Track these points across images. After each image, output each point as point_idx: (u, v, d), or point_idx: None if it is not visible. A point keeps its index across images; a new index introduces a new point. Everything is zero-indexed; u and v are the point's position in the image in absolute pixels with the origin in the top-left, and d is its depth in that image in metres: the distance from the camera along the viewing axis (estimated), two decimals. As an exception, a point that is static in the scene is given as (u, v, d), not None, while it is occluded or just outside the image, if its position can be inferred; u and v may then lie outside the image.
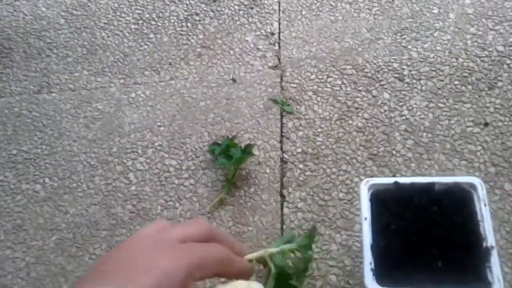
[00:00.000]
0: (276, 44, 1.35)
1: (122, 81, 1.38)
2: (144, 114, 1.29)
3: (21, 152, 1.27)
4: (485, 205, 0.80)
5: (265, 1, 1.46)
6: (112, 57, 1.44)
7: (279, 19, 1.41)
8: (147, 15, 1.51)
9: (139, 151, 1.22)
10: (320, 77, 1.25)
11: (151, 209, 1.12)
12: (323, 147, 1.13)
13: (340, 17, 1.36)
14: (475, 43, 1.21)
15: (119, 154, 1.23)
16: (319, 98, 1.21)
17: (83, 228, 1.11)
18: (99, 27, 1.52)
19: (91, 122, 1.31)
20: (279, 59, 1.32)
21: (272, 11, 1.43)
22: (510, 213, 0.95)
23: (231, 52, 1.37)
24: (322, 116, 1.18)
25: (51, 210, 1.16)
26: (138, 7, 1.54)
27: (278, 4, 1.44)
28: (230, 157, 1.11)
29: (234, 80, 1.31)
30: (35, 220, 1.14)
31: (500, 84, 1.13)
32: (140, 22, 1.50)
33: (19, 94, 1.41)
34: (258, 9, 1.45)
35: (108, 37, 1.49)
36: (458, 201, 0.82)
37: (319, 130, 1.16)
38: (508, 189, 0.98)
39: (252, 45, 1.37)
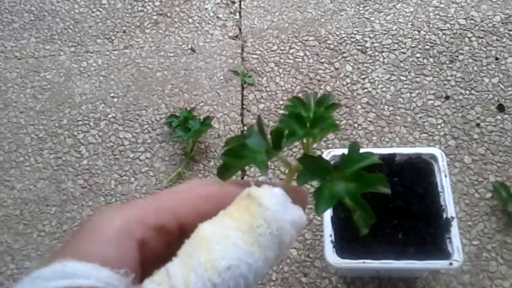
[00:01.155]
0: (237, 13, 1.30)
1: (72, 49, 1.29)
2: (97, 84, 1.22)
3: (-39, 124, 1.18)
4: (445, 176, 0.79)
5: (226, -31, 1.39)
6: (62, 24, 1.34)
7: (241, -12, 1.35)
8: (100, -20, 1.41)
9: (91, 124, 1.15)
10: (282, 48, 1.21)
11: (104, 184, 1.06)
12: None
13: (303, -13, 1.32)
14: (437, 16, 1.20)
15: (70, 127, 1.15)
16: (281, 70, 1.18)
17: (31, 204, 1.05)
18: (47, -9, 1.42)
19: (39, 92, 1.22)
20: (240, 29, 1.27)
21: (233, -21, 1.37)
22: (470, 186, 0.95)
23: (190, 20, 1.30)
24: (284, 88, 1.15)
25: (-5, 185, 1.08)
26: (91, -29, 1.44)
27: (239, -28, 1.38)
28: (188, 129, 1.06)
29: (193, 50, 1.25)
30: (-23, 196, 1.06)
31: (461, 57, 1.13)
32: (92, -13, 1.40)
33: (-41, 62, 1.30)
34: (219, -23, 1.38)
35: (58, 2, 1.39)
36: (418, 172, 0.81)
37: (281, 102, 1.13)
38: (468, 162, 0.98)
39: (211, 14, 1.31)
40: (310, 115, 0.29)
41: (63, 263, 0.23)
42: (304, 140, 0.28)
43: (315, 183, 0.27)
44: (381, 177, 0.27)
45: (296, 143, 0.29)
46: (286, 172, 0.28)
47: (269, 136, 0.28)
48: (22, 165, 1.11)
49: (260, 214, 0.24)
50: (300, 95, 1.13)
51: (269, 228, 0.23)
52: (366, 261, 0.73)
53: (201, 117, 1.10)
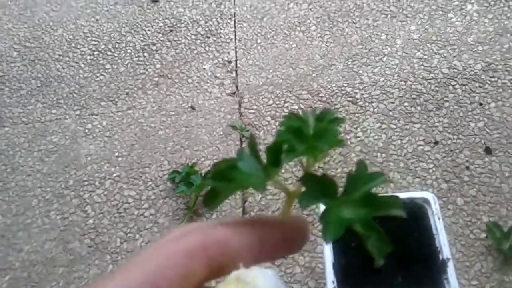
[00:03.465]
0: (234, 72, 1.38)
1: (77, 112, 1.36)
2: (101, 145, 1.27)
3: (-29, 189, 1.22)
4: (438, 219, 0.83)
5: (221, 31, 1.49)
6: (67, 89, 1.42)
7: (236, 48, 1.44)
8: (103, 46, 1.50)
9: (97, 183, 1.19)
10: (277, 102, 1.28)
11: (110, 242, 1.09)
12: (283, 170, 1.14)
13: (294, 45, 1.40)
14: (422, 67, 1.27)
15: (76, 187, 1.20)
16: (277, 123, 1.24)
17: (39, 266, 1.07)
18: (53, 59, 1.50)
19: (46, 155, 1.27)
20: (237, 86, 1.34)
21: (228, 40, 1.46)
22: (464, 227, 0.98)
23: (189, 80, 1.38)
24: (280, 140, 1.20)
25: (4, 248, 1.10)
26: (94, 38, 1.53)
27: (234, 34, 1.47)
28: (191, 184, 1.10)
29: (193, 108, 1.31)
30: (-14, 259, 1.09)
31: (446, 104, 1.19)
32: (95, 53, 1.49)
33: (-31, 129, 1.36)
34: (215, 39, 1.47)
35: (63, 68, 1.47)
36: (413, 216, 0.85)
37: (278, 154, 1.17)
38: (460, 204, 1.02)
39: (209, 73, 1.38)
40: (310, 131, 0.26)
41: None
42: (305, 159, 0.25)
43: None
44: (396, 200, 0.24)
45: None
46: (284, 200, 0.27)
47: (264, 159, 0.25)
48: (29, 227, 1.14)
49: None
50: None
51: None
52: (368, 306, 0.75)
53: (203, 172, 1.14)
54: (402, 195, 0.88)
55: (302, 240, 0.27)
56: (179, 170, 1.16)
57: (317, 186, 0.24)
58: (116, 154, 1.24)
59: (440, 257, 0.79)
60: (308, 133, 0.26)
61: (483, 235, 0.97)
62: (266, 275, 0.23)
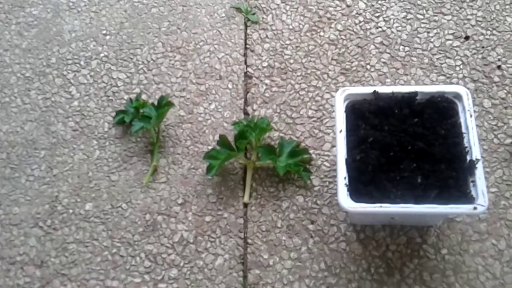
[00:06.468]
0: None
1: (60, -17, 1.19)
2: (87, 21, 1.12)
3: None
4: (470, 116, 0.73)
5: None
6: (47, -45, 1.23)
7: None
8: None
9: (82, 63, 1.07)
10: (288, -17, 1.12)
11: (97, 126, 0.99)
12: (291, 61, 1.02)
13: None
14: (458, -49, 1.10)
15: (59, 66, 1.07)
16: (287, 7, 1.09)
17: (19, 147, 0.98)
18: None
19: (25, 29, 1.13)
20: (242, -37, 1.17)
21: None
22: (488, 131, 0.89)
23: (188, -47, 1.20)
24: (291, 26, 1.06)
25: (-21, 127, 1.00)
26: None
27: None
28: (147, 118, 0.92)
29: (191, -15, 1.15)
30: (-41, 137, 0.99)
31: (482, -5, 1.04)
32: None
33: None
34: None
35: None
36: (441, 111, 0.75)
37: (288, 42, 1.05)
38: (487, 106, 0.92)
39: None
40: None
41: None
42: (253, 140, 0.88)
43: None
44: (305, 150, 0.89)
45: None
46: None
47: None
48: (8, 106, 1.03)
49: None
50: (308, 34, 1.05)
51: None
52: (383, 205, 0.68)
53: (202, 58, 1.02)
54: (432, 88, 0.77)
55: None
56: (123, 109, 0.98)
57: (266, 151, 0.88)
58: (104, 32, 1.10)
59: (468, 157, 0.70)
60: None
61: (508, 140, 0.88)
62: None
